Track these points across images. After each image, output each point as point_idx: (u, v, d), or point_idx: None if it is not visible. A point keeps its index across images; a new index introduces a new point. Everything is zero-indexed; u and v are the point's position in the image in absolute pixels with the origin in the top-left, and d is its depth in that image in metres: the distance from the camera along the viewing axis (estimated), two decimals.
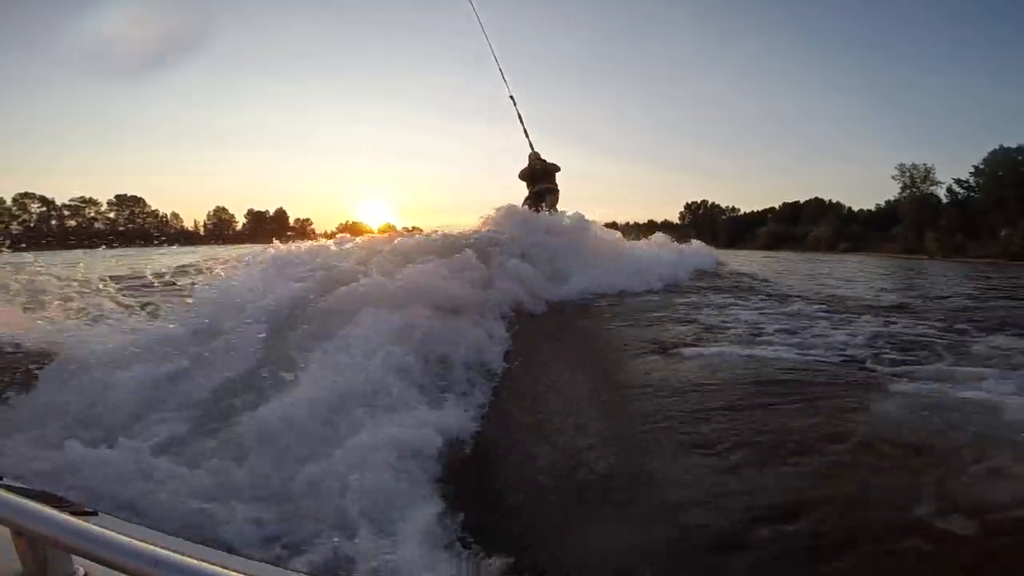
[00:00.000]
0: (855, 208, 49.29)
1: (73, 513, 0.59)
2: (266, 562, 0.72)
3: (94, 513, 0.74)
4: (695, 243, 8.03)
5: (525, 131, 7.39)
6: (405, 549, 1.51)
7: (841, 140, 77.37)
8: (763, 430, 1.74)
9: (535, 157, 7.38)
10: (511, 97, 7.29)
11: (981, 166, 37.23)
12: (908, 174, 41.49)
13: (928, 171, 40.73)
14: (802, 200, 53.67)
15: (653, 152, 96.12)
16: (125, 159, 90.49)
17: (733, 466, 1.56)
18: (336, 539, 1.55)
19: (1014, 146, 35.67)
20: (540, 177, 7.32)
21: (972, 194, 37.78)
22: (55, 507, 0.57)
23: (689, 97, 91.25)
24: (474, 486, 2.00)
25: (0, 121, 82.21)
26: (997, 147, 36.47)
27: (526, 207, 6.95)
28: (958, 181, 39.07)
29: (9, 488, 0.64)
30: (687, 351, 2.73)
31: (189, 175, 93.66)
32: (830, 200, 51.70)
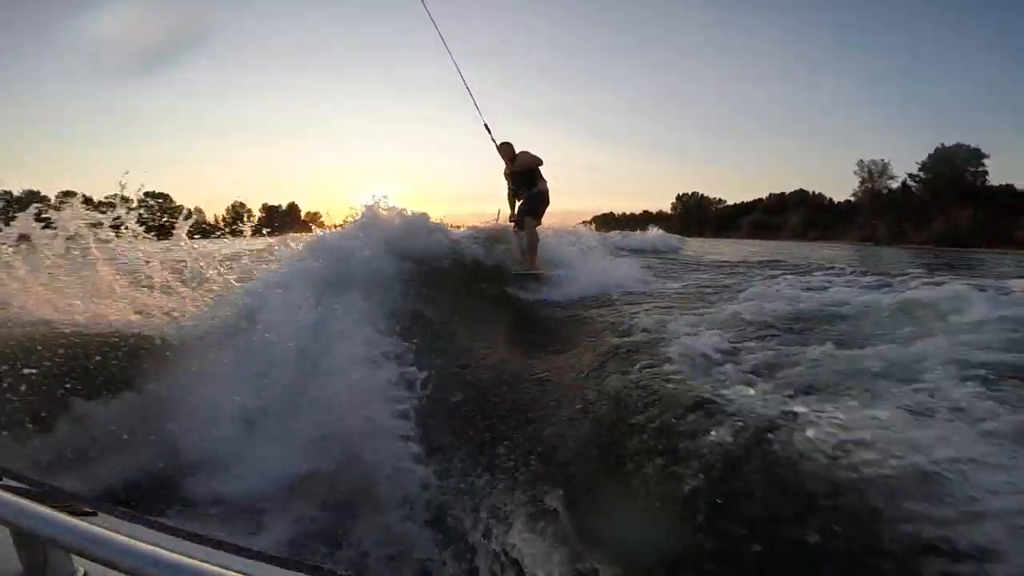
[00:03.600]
0: (837, 199, 52.06)
1: (73, 513, 0.59)
2: (267, 562, 0.74)
3: (94, 513, 0.74)
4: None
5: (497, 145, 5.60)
6: None
7: (836, 130, 79.30)
8: None
9: (505, 151, 5.52)
10: (486, 125, 5.47)
11: (927, 162, 40.40)
12: (867, 169, 44.45)
13: (885, 166, 43.76)
14: (788, 191, 56.17)
15: (648, 141, 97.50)
16: (146, 156, 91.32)
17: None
18: None
19: (953, 144, 38.95)
20: (518, 181, 5.57)
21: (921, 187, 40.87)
22: (55, 507, 0.56)
23: (687, 86, 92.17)
24: None
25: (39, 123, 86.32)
26: (940, 145, 39.74)
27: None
28: (911, 175, 42.07)
29: (9, 488, 0.64)
30: None
31: (204, 171, 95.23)
32: (813, 191, 54.38)
